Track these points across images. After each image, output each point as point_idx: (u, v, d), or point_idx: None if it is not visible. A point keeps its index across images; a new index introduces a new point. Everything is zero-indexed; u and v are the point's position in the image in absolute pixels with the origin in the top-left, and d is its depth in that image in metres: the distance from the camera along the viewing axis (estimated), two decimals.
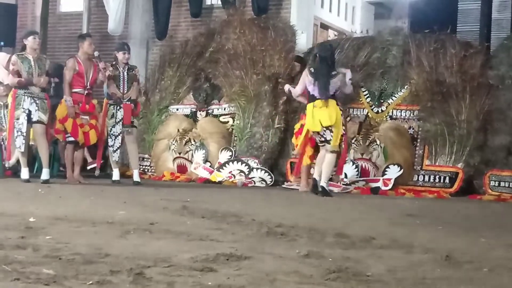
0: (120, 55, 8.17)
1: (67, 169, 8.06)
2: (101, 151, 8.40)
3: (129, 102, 8.05)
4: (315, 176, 7.26)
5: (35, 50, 7.77)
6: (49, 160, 7.85)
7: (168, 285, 2.49)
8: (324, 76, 7.11)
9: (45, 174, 7.58)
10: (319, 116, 7.08)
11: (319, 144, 7.32)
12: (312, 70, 7.25)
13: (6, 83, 7.85)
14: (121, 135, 8.08)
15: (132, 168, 8.36)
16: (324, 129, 7.09)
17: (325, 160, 7.09)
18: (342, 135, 7.14)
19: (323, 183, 7.08)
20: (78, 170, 8.03)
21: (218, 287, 2.50)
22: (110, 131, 8.10)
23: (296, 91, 7.58)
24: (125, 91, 8.08)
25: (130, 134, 8.13)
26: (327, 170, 7.11)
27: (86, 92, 7.88)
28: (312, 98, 7.17)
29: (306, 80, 7.29)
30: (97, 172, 8.65)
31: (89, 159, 9.28)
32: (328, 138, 7.10)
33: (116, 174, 8.17)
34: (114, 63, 8.20)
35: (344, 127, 7.25)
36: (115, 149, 8.10)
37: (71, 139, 7.89)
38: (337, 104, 7.15)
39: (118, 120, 8.04)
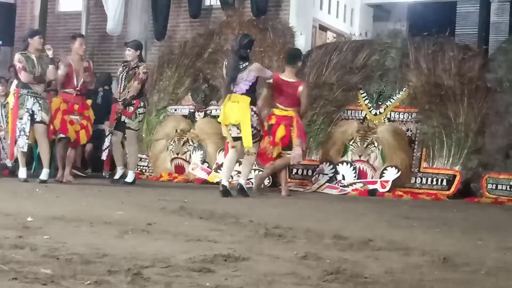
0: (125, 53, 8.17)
1: (58, 167, 7.96)
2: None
3: (120, 102, 7.93)
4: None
5: (39, 50, 7.76)
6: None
7: (166, 286, 2.49)
8: (231, 70, 7.02)
9: (44, 174, 7.52)
10: (229, 110, 7.01)
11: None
12: (226, 64, 7.24)
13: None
14: (110, 135, 8.00)
15: (128, 169, 8.35)
16: (232, 125, 7.01)
17: (244, 161, 7.15)
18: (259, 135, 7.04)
19: (241, 180, 7.08)
20: (68, 169, 7.97)
21: None
22: None
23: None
24: (121, 90, 7.99)
25: (114, 135, 7.98)
26: (246, 170, 7.17)
27: (76, 93, 7.84)
28: (228, 91, 7.08)
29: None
30: (105, 173, 8.76)
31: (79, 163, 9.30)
32: (233, 135, 7.02)
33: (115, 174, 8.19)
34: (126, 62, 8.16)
35: (259, 128, 7.09)
36: (103, 149, 8.07)
37: (61, 135, 7.84)
38: (253, 103, 7.00)
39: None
